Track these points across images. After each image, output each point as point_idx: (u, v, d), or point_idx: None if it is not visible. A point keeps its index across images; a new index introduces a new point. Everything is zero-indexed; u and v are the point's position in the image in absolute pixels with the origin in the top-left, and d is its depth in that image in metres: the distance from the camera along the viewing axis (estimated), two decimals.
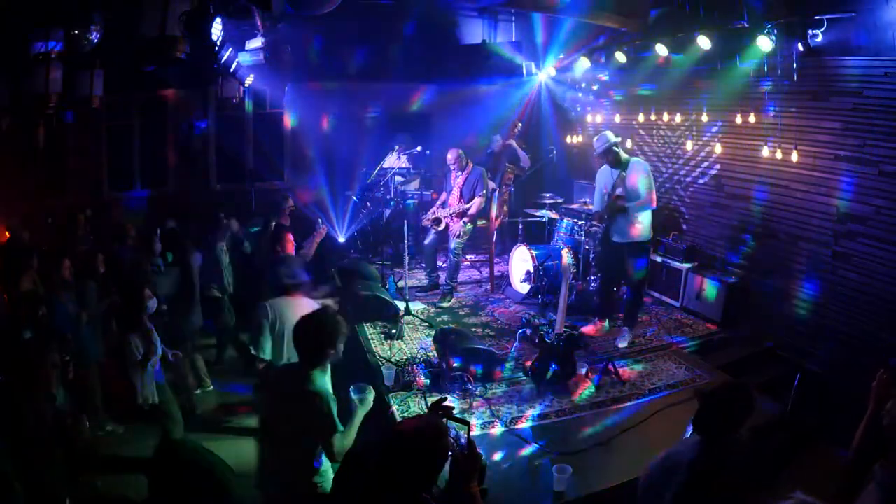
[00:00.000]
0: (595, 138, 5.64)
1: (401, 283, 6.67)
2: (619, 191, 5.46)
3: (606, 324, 5.96)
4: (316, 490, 2.92)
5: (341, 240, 8.45)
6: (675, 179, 7.26)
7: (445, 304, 6.64)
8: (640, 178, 5.42)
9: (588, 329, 5.72)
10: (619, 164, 5.51)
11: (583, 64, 7.76)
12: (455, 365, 4.72)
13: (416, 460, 2.02)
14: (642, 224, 5.53)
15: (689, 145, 6.93)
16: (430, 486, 2.09)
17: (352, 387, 3.05)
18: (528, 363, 5.06)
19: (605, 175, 5.69)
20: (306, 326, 2.94)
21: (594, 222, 6.09)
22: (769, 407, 4.45)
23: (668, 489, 2.45)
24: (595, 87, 8.53)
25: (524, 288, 6.79)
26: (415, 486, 2.04)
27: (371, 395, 3.05)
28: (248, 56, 6.33)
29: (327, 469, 2.98)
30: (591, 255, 6.78)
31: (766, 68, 5.42)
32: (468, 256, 7.72)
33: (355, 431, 2.92)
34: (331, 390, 2.89)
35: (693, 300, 6.45)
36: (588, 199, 7.64)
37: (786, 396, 4.73)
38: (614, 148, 5.52)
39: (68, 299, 4.73)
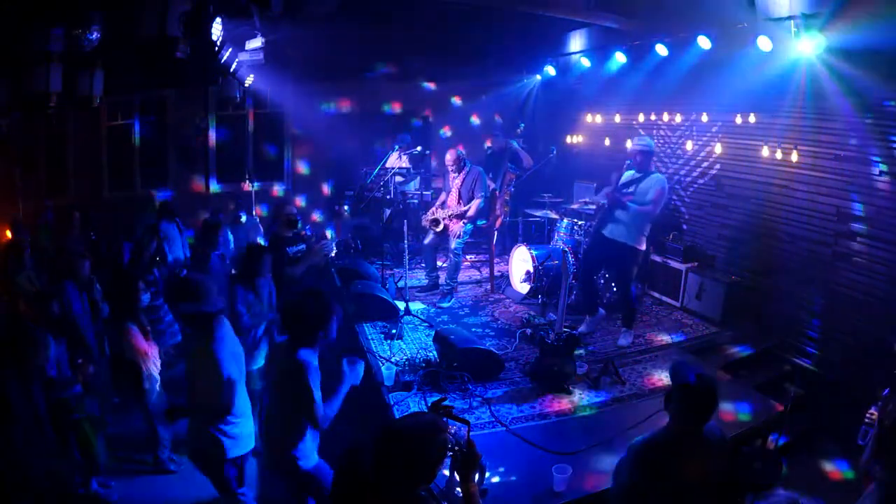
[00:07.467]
0: (637, 137, 5.67)
1: (401, 283, 6.66)
2: (630, 189, 5.49)
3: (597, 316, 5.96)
4: (294, 463, 3.05)
5: (337, 241, 8.45)
6: (675, 179, 7.25)
7: (445, 304, 6.63)
8: (653, 187, 5.42)
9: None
10: (642, 170, 5.53)
11: (583, 64, 7.76)
12: (455, 365, 4.72)
13: (413, 455, 2.02)
14: (637, 230, 5.52)
15: (689, 145, 6.93)
16: (428, 482, 2.09)
17: (344, 358, 3.13)
18: (528, 363, 5.06)
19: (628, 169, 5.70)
20: (295, 307, 3.06)
21: (602, 201, 6.03)
22: (768, 407, 4.45)
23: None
24: (595, 87, 8.52)
25: (524, 288, 6.78)
26: (412, 481, 2.04)
27: (361, 368, 3.13)
28: (248, 56, 6.33)
29: (308, 445, 3.10)
30: None
31: (766, 68, 5.41)
32: (468, 256, 7.71)
33: (339, 402, 3.05)
34: (315, 364, 2.98)
35: (693, 300, 6.45)
36: (588, 199, 7.65)
37: (786, 397, 4.73)
38: (648, 154, 5.56)
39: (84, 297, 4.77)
